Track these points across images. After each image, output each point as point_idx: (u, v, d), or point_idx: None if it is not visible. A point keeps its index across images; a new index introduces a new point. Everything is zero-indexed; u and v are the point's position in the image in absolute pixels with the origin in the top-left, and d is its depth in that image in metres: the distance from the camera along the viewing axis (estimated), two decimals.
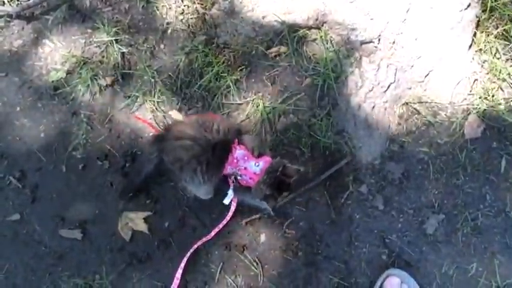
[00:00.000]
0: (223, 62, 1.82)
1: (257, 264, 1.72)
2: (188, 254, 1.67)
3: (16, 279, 1.77)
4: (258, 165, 1.53)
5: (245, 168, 1.55)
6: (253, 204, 1.69)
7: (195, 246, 1.68)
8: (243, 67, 1.83)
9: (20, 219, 1.80)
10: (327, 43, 1.78)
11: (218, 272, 1.72)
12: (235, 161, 1.54)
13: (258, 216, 1.74)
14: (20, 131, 1.85)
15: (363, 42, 1.75)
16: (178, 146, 1.50)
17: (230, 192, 1.64)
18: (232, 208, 1.70)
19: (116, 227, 1.76)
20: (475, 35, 1.78)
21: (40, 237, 1.78)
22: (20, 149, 1.83)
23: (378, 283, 1.66)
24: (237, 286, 1.71)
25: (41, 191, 1.81)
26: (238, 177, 1.58)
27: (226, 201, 1.66)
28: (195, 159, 1.48)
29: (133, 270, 1.74)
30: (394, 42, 1.73)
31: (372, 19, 1.71)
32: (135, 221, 1.75)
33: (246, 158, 1.55)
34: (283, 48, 1.83)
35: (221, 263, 1.73)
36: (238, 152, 1.55)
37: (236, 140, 1.56)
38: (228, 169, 1.56)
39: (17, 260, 1.78)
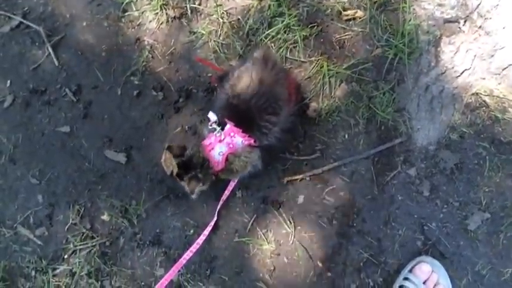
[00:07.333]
0: (295, 16, 1.76)
1: (290, 223, 1.71)
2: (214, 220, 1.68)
3: (57, 188, 1.82)
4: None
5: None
6: None
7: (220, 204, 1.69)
8: (314, 24, 1.76)
9: (70, 132, 1.83)
10: (408, 15, 1.70)
11: (250, 223, 1.73)
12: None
13: (300, 176, 1.72)
14: (83, 46, 1.85)
15: (447, 21, 1.66)
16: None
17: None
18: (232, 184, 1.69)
19: (160, 159, 1.77)
20: None
21: (86, 153, 1.81)
22: (80, 64, 1.84)
23: (408, 267, 1.64)
24: (266, 240, 1.71)
25: (93, 108, 1.82)
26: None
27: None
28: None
29: (169, 203, 1.76)
30: (480, 27, 1.63)
31: None
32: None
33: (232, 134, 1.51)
34: (359, 13, 1.75)
35: (255, 215, 1.73)
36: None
37: None
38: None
39: (60, 171, 1.82)
